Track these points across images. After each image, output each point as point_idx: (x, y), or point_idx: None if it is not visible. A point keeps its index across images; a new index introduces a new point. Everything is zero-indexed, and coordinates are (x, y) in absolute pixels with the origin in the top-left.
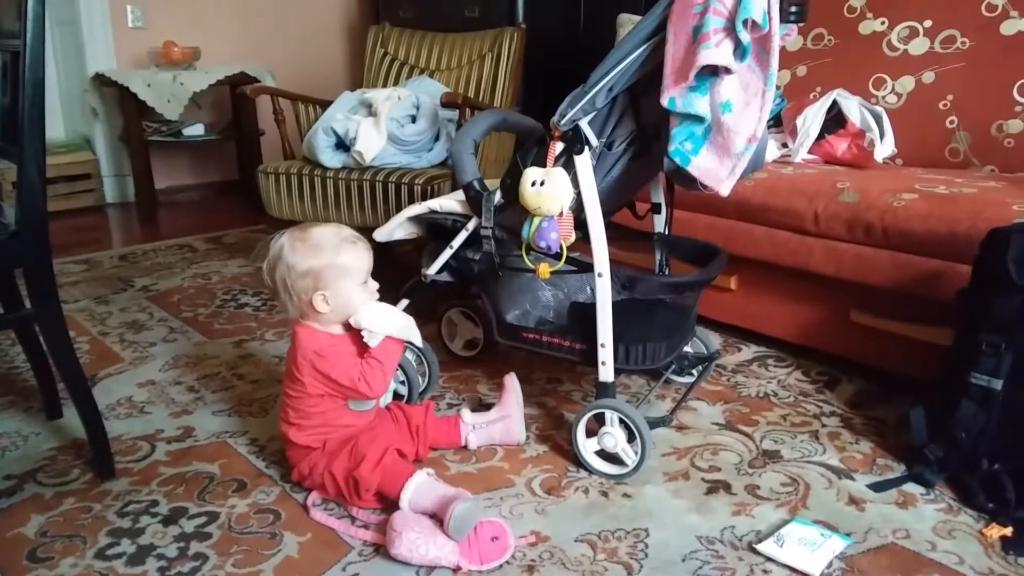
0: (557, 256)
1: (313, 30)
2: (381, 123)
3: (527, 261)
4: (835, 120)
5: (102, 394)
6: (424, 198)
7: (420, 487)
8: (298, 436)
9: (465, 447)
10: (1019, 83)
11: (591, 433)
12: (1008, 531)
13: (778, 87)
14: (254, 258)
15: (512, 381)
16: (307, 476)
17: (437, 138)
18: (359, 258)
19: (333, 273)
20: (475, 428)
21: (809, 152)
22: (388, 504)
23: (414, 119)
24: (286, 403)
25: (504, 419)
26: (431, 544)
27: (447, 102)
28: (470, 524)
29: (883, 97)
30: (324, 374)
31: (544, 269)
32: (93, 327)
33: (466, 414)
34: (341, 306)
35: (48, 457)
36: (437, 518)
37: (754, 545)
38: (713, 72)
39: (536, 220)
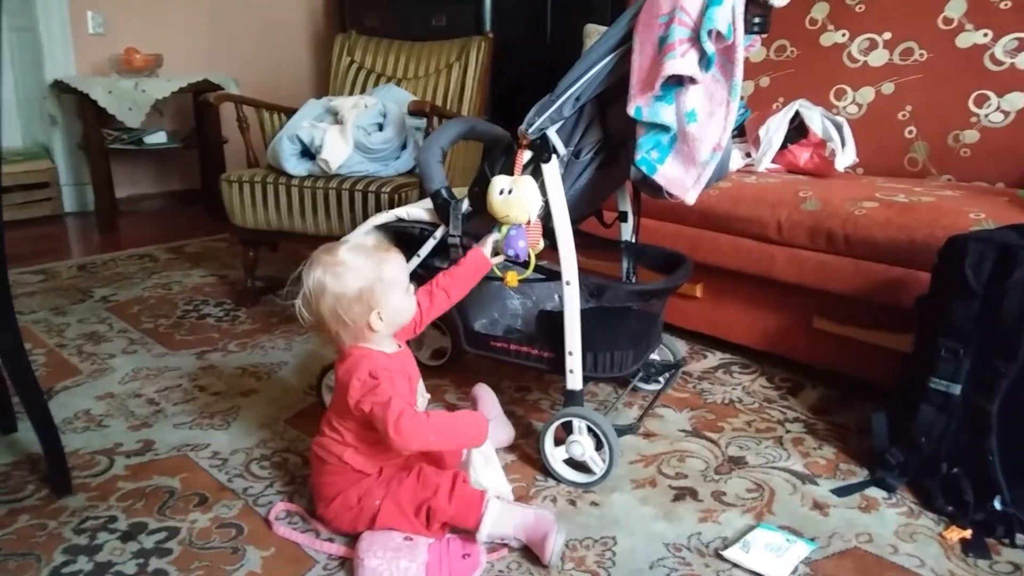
0: (525, 264)
1: (278, 38)
2: (347, 131)
3: (495, 269)
4: (797, 130)
5: (59, 407)
6: (391, 207)
7: (499, 517)
8: (353, 457)
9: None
10: (975, 94)
11: (559, 442)
12: (967, 533)
13: (742, 97)
14: (285, 296)
15: (481, 389)
16: (355, 504)
17: (404, 146)
18: (399, 265)
19: (382, 289)
20: None
21: (772, 162)
22: (462, 532)
23: (381, 127)
24: (337, 424)
25: (491, 422)
26: (394, 569)
27: (414, 110)
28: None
29: (844, 107)
30: (363, 397)
31: (512, 278)
32: (50, 339)
33: None
34: (394, 319)
35: (1, 473)
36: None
37: (720, 551)
38: (678, 82)
39: (504, 228)
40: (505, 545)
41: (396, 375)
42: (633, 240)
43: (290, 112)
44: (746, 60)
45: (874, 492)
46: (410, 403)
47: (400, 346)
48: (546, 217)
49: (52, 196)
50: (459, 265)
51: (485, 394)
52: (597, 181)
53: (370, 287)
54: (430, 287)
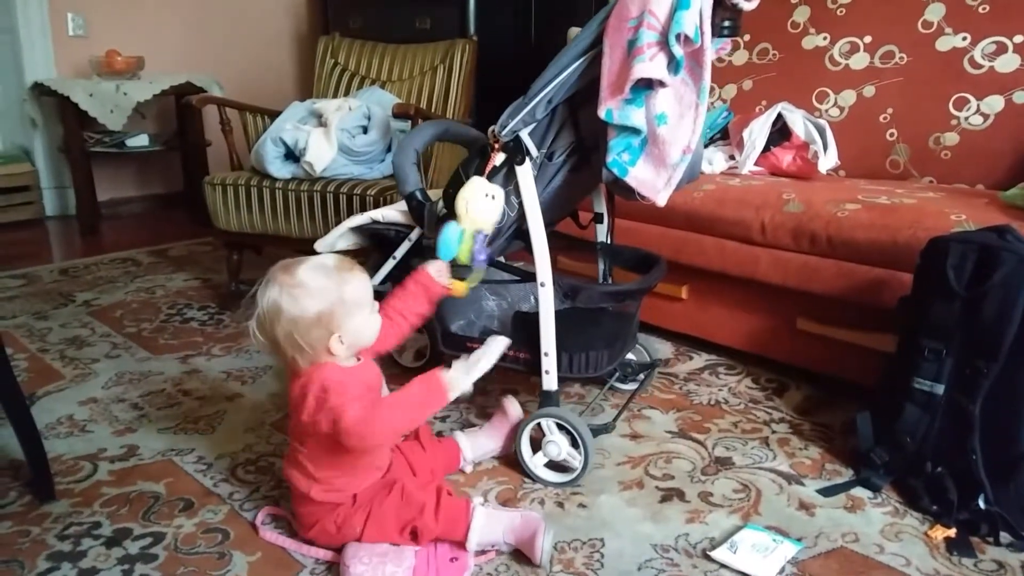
0: (462, 275)
1: (261, 39)
2: (332, 133)
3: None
4: (780, 133)
5: (41, 413)
6: (376, 209)
7: (486, 525)
8: (321, 493)
9: (461, 470)
10: (954, 97)
11: (537, 447)
12: (952, 532)
13: (724, 101)
14: (239, 319)
15: (512, 406)
16: (335, 533)
17: (389, 149)
18: (363, 285)
19: (343, 311)
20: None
21: (755, 164)
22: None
23: (365, 130)
24: (300, 457)
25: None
26: (380, 575)
27: (399, 113)
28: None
29: (826, 110)
30: (317, 411)
31: (460, 287)
32: (32, 343)
33: (460, 436)
34: (355, 341)
35: None
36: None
37: (708, 552)
38: (648, 85)
39: (468, 233)
40: (494, 548)
41: (350, 385)
42: (608, 241)
43: (273, 114)
44: (728, 63)
45: (859, 492)
46: (365, 404)
47: (359, 359)
48: (520, 219)
49: (33, 200)
50: (406, 289)
51: (510, 408)
52: (570, 183)
53: (330, 310)
54: (385, 311)
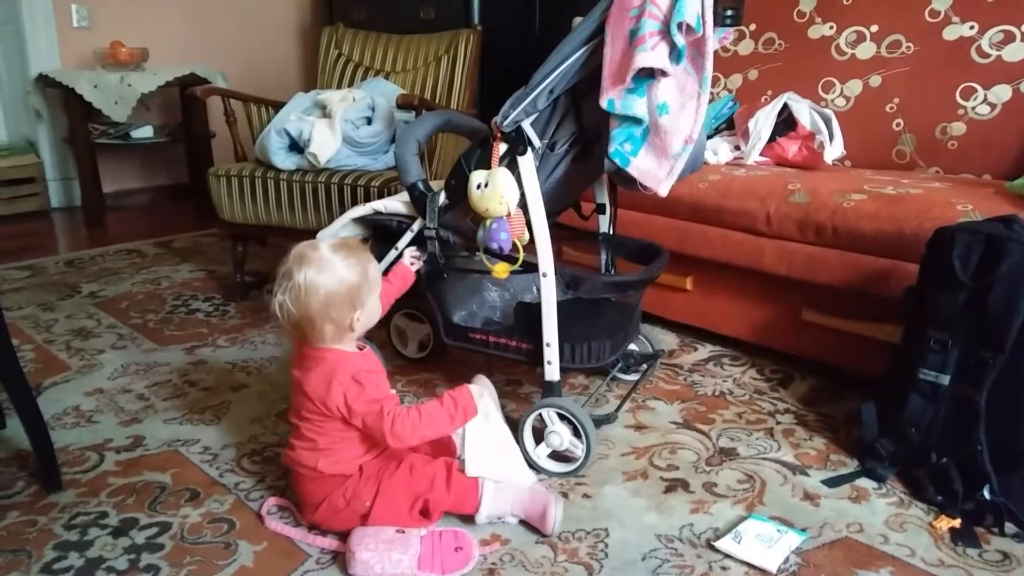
0: (509, 257)
1: (265, 31)
2: (336, 124)
3: (486, 262)
4: (786, 123)
5: (48, 403)
6: (379, 200)
7: (496, 497)
8: (329, 466)
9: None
10: (961, 87)
11: (540, 438)
12: (956, 523)
13: (730, 91)
14: (271, 293)
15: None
16: (344, 507)
17: (393, 140)
18: (377, 268)
19: (368, 289)
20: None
21: (761, 154)
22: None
23: (369, 121)
24: (307, 431)
25: None
26: (386, 562)
27: (403, 104)
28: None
29: (832, 100)
30: (349, 404)
31: (502, 269)
32: (38, 335)
33: None
34: (368, 321)
35: None
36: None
37: (712, 542)
38: (650, 75)
39: (487, 222)
40: (498, 539)
41: (377, 375)
42: (611, 232)
43: (278, 106)
44: (734, 53)
45: (864, 482)
46: (397, 402)
47: (361, 347)
48: (524, 209)
49: (38, 191)
50: (387, 281)
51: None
52: (572, 174)
53: (359, 286)
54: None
